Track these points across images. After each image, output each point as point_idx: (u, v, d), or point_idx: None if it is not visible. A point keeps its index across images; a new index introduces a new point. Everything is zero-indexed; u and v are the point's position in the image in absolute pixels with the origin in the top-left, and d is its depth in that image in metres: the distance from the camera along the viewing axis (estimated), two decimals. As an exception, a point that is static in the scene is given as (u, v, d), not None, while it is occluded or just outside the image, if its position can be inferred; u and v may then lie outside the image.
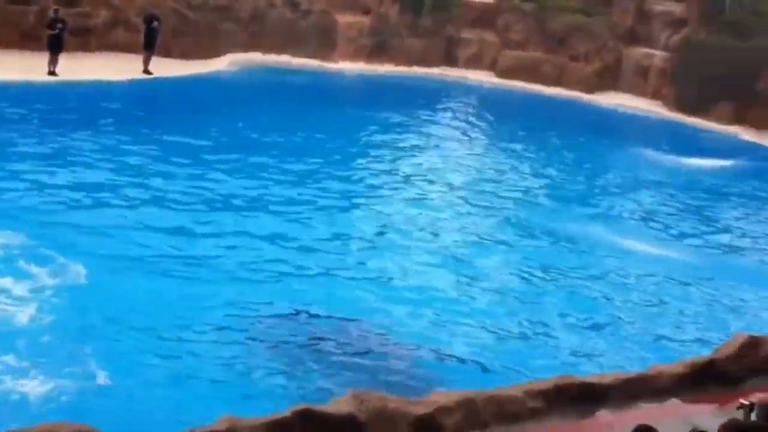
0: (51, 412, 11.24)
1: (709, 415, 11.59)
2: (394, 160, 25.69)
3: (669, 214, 24.40)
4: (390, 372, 14.54)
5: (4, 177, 19.93)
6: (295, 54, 33.13)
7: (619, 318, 17.74)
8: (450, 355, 15.41)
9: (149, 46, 29.24)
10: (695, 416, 11.55)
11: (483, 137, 29.50)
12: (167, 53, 30.19)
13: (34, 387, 12.48)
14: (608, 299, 18.57)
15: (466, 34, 36.38)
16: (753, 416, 9.71)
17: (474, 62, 36.15)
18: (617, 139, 31.14)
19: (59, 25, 27.43)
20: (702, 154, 29.98)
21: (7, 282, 15.04)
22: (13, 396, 12.31)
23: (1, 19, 28.61)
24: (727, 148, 31.19)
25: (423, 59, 35.21)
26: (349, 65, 33.88)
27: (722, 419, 8.91)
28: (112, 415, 11.92)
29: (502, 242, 20.75)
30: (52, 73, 27.31)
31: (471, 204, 22.81)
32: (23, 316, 14.22)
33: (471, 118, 31.70)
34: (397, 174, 24.50)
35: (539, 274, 19.27)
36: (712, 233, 23.60)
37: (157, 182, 20.97)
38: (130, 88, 27.96)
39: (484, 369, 15.11)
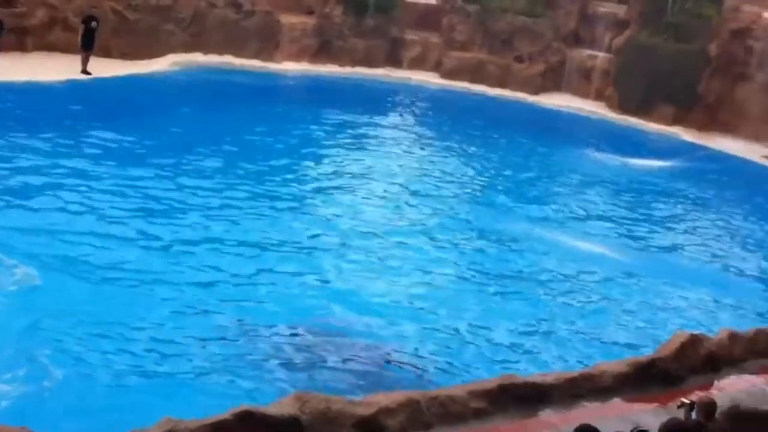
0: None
1: (651, 413, 11.65)
2: (335, 161, 25.55)
3: (610, 214, 24.57)
4: (332, 373, 14.49)
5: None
6: (237, 55, 32.87)
7: (561, 317, 17.81)
8: (393, 356, 15.36)
9: (87, 47, 28.82)
10: (637, 415, 11.60)
11: (426, 138, 29.45)
12: (107, 53, 29.81)
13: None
14: (549, 298, 18.66)
15: (411, 35, 36.37)
16: (693, 415, 9.75)
17: (418, 63, 36.13)
18: (560, 139, 31.31)
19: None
20: (644, 154, 30.28)
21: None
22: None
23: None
24: (668, 148, 31.51)
25: (367, 60, 35.11)
26: (293, 66, 33.67)
27: (663, 418, 8.93)
28: (55, 417, 11.91)
29: (443, 241, 20.74)
30: (-13, 73, 26.81)
31: (412, 205, 22.75)
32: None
33: (415, 119, 31.69)
34: (339, 175, 24.38)
35: (480, 273, 19.32)
36: (653, 232, 23.80)
37: (95, 184, 20.60)
38: (68, 88, 27.48)
39: (425, 369, 15.07)
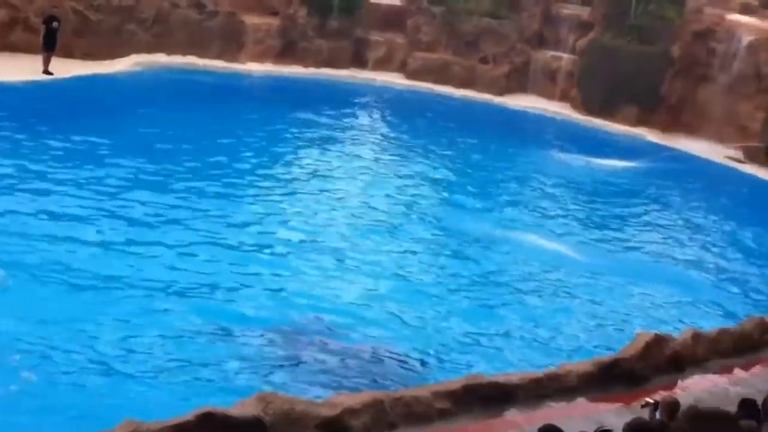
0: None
1: (615, 413, 11.68)
2: (299, 162, 25.47)
3: (575, 214, 24.66)
4: (296, 373, 14.47)
5: None
6: (201, 55, 32.63)
7: (525, 316, 17.84)
8: (361, 355, 15.36)
9: (49, 47, 28.52)
10: (602, 414, 11.62)
11: (390, 139, 29.41)
12: (68, 54, 29.47)
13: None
14: (512, 298, 18.72)
15: (375, 36, 36.29)
16: (657, 414, 9.77)
17: (383, 64, 36.05)
18: (525, 140, 31.37)
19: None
20: (609, 154, 30.38)
21: None
22: None
23: None
24: (633, 149, 31.64)
25: (332, 61, 34.97)
26: (257, 67, 33.47)
27: (628, 417, 8.93)
28: (16, 418, 11.91)
29: (405, 242, 20.76)
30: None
31: (373, 207, 22.68)
32: None
33: (379, 120, 31.64)
34: (301, 175, 24.33)
35: (443, 274, 19.33)
36: (617, 232, 23.95)
37: (55, 186, 20.38)
38: (30, 89, 27.15)
39: (390, 368, 15.05)
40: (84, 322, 14.91)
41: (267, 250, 19.13)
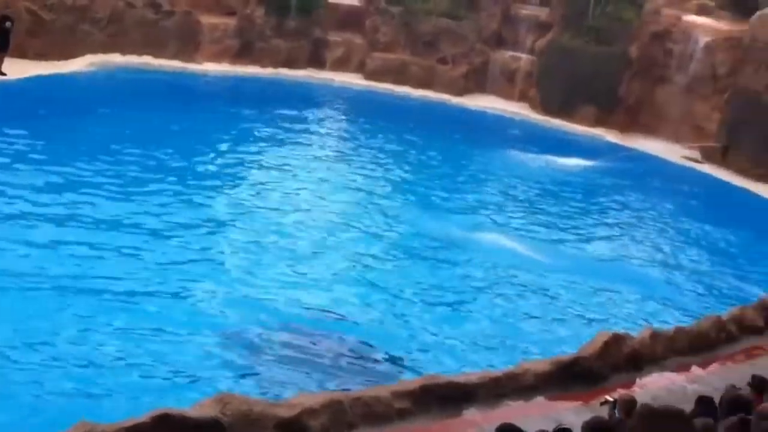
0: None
1: (574, 412, 11.68)
2: (255, 162, 25.32)
3: (533, 214, 24.71)
4: (259, 376, 14.38)
5: None
6: (156, 55, 32.29)
7: (484, 316, 17.84)
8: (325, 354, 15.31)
9: (2, 47, 28.07)
10: (560, 413, 11.61)
11: (349, 139, 29.33)
12: (22, 54, 29.03)
13: None
14: (471, 298, 18.71)
15: (334, 36, 36.14)
16: (616, 412, 9.76)
17: (341, 64, 35.91)
18: (484, 140, 31.36)
19: None
20: (567, 154, 30.45)
21: None
22: None
23: None
24: (591, 149, 31.76)
25: (289, 61, 34.77)
26: (213, 67, 33.18)
27: (586, 416, 8.90)
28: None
29: (364, 243, 20.66)
30: None
31: (331, 210, 22.56)
32: None
33: (337, 121, 31.53)
34: (257, 176, 24.23)
35: (401, 275, 19.26)
36: (576, 231, 24.02)
37: (6, 189, 20.05)
38: (-18, 89, 26.80)
39: (352, 369, 14.99)
40: (39, 320, 14.79)
41: (222, 251, 19.03)
